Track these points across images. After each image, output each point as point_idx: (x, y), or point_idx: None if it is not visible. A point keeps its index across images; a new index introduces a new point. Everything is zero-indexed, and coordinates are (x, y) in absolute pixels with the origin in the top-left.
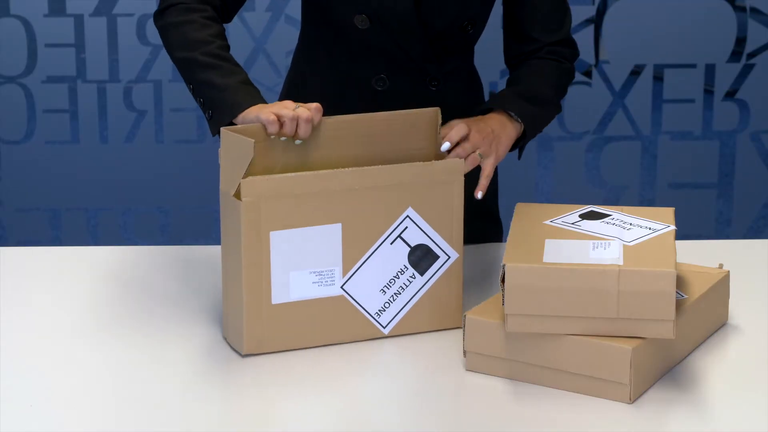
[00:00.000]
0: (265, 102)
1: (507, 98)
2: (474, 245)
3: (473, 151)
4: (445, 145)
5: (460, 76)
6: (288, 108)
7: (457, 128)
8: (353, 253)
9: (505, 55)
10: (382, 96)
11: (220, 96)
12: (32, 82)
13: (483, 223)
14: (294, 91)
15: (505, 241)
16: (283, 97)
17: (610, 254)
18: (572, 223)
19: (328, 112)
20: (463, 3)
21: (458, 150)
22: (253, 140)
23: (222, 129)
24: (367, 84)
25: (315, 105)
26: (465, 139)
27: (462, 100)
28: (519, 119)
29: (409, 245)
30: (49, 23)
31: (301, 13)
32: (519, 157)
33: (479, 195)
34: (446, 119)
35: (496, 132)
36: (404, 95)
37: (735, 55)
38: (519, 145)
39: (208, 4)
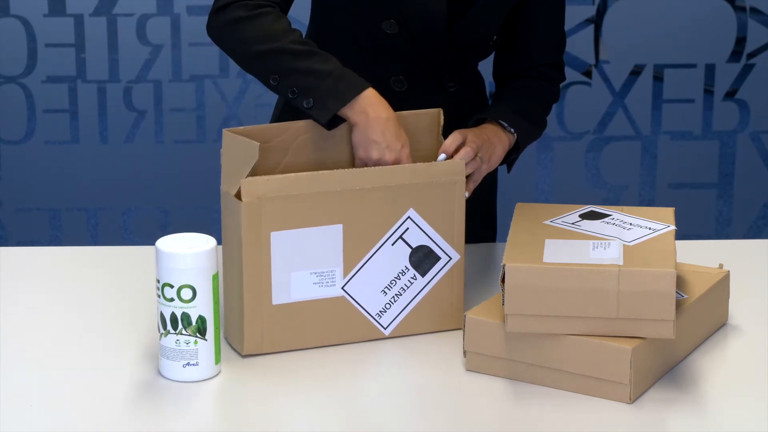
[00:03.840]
0: (367, 84)
1: (500, 110)
2: (474, 245)
3: (476, 154)
4: (441, 157)
5: (471, 77)
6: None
7: (452, 138)
8: (354, 254)
9: (495, 68)
10: (400, 96)
11: (325, 83)
12: (32, 82)
13: (477, 221)
14: None
15: (500, 240)
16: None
17: (610, 254)
18: (572, 223)
19: None
20: (495, 21)
21: (462, 153)
22: (258, 143)
23: (225, 130)
24: (385, 84)
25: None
26: (462, 145)
27: (474, 101)
28: (512, 130)
29: (410, 246)
30: (49, 23)
31: (310, 14)
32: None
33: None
34: (460, 119)
35: (491, 140)
36: (422, 96)
37: (735, 55)
38: (510, 158)
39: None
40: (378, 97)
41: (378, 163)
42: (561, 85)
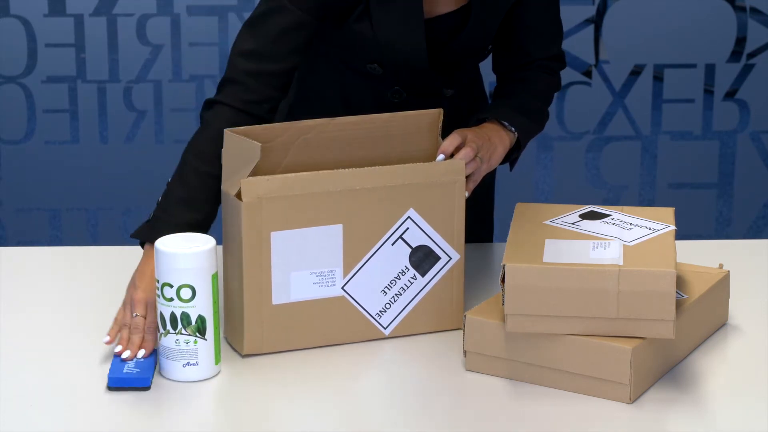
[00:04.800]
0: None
1: (500, 109)
2: (474, 245)
3: (476, 154)
4: (440, 157)
5: (469, 78)
6: (133, 328)
7: (451, 138)
8: (354, 254)
9: (494, 64)
10: (398, 107)
11: (164, 214)
12: (32, 82)
13: (476, 221)
14: (306, 98)
15: (499, 240)
16: (291, 104)
17: (610, 254)
18: (572, 223)
19: None
20: (481, 47)
21: (462, 153)
22: (259, 144)
23: (226, 130)
24: (383, 97)
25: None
26: (462, 145)
27: (473, 100)
28: (513, 129)
29: (410, 246)
30: (49, 23)
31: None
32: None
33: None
34: (459, 119)
35: (492, 140)
36: (421, 105)
37: (735, 55)
38: (512, 157)
39: (265, 103)
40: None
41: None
42: (561, 84)
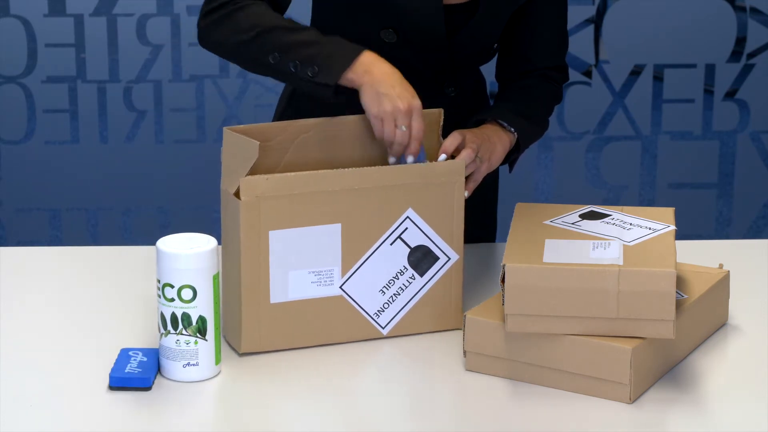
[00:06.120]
0: (364, 48)
1: (500, 110)
2: (473, 245)
3: (476, 155)
4: (442, 157)
5: (472, 80)
6: (402, 114)
7: (451, 138)
8: (353, 254)
9: (497, 70)
10: None
11: (326, 48)
12: (32, 82)
13: (477, 221)
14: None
15: (500, 240)
16: (287, 98)
17: (610, 254)
18: (572, 223)
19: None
20: (495, 30)
21: (463, 154)
22: (258, 142)
23: (225, 129)
24: None
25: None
26: (462, 145)
27: (475, 102)
28: (512, 130)
29: (408, 246)
30: (49, 23)
31: (311, 16)
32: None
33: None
34: (460, 120)
35: (491, 139)
36: (423, 101)
37: (735, 55)
38: (511, 158)
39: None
40: (378, 57)
41: (393, 113)
42: (562, 97)
